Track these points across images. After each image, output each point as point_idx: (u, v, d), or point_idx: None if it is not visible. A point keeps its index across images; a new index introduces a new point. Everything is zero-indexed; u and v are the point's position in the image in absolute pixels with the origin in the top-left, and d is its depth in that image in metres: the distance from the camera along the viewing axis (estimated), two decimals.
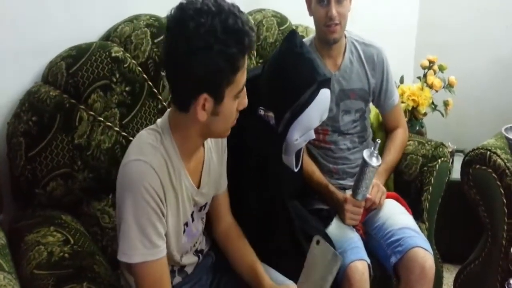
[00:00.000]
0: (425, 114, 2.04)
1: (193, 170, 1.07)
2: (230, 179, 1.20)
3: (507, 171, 1.51)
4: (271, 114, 1.20)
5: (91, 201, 1.31)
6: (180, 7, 0.91)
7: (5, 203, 1.25)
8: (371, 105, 1.61)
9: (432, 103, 2.05)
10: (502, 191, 1.52)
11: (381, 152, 1.54)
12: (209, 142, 1.12)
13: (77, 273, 1.04)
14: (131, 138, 1.33)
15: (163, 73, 1.40)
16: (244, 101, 1.00)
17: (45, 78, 1.27)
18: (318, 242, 1.07)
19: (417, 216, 1.55)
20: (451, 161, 1.85)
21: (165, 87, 1.41)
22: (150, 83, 1.38)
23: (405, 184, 1.62)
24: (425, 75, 2.07)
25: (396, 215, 1.44)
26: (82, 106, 1.26)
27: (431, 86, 2.02)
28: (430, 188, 1.58)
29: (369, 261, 1.31)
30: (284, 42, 1.25)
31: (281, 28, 1.71)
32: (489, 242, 1.60)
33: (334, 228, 1.40)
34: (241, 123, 1.04)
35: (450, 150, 1.98)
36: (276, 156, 1.25)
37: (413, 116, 2.04)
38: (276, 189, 1.27)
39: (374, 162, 1.30)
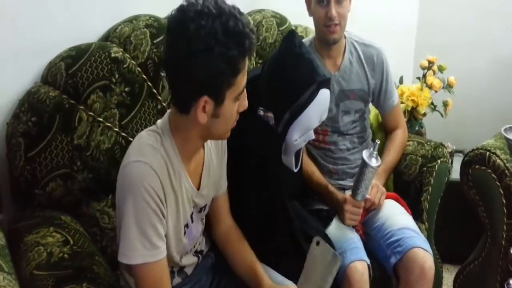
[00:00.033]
0: (424, 114, 2.04)
1: (193, 171, 1.07)
2: (230, 181, 1.20)
3: (506, 171, 1.51)
4: (270, 114, 1.20)
5: (91, 202, 1.31)
6: (180, 9, 0.91)
7: (4, 204, 1.25)
8: (370, 106, 1.62)
9: (432, 103, 2.05)
10: (502, 192, 1.52)
11: (381, 153, 1.54)
12: (209, 144, 1.12)
13: (77, 274, 1.04)
14: (130, 139, 1.33)
15: (162, 74, 1.39)
16: (244, 103, 1.00)
17: (45, 78, 1.27)
18: (318, 243, 1.08)
19: (417, 216, 1.55)
20: (450, 161, 1.85)
21: (165, 88, 1.41)
22: (149, 83, 1.38)
23: (405, 184, 1.62)
24: (424, 76, 2.07)
25: (395, 216, 1.44)
26: (81, 107, 1.26)
27: (430, 87, 2.02)
28: (430, 189, 1.58)
29: (368, 261, 1.31)
30: (283, 43, 1.25)
31: (281, 28, 1.71)
32: (489, 242, 1.60)
33: (334, 228, 1.40)
34: (241, 124, 1.04)
35: (450, 150, 1.99)
36: (276, 157, 1.25)
37: (413, 116, 2.04)
38: (275, 190, 1.27)
39: (374, 162, 1.30)
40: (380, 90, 1.56)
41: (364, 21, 1.89)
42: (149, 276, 0.97)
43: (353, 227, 1.41)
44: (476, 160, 1.54)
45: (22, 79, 1.28)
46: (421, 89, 2.01)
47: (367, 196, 1.38)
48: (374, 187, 1.42)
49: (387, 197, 1.47)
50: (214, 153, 1.14)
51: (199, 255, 1.19)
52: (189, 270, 1.17)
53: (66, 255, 1.07)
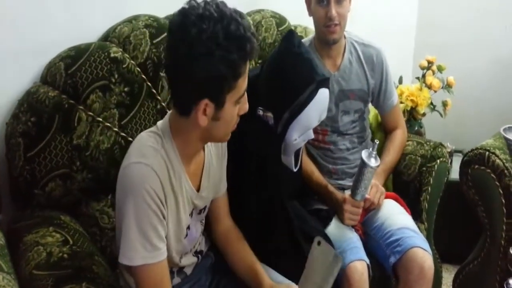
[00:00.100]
0: (424, 114, 2.04)
1: (193, 173, 1.07)
2: (230, 183, 1.20)
3: (505, 171, 1.51)
4: (270, 114, 1.20)
5: (90, 202, 1.31)
6: (182, 12, 0.91)
7: (4, 204, 1.25)
8: (370, 106, 1.62)
9: (431, 103, 2.05)
10: (501, 191, 1.53)
11: (380, 153, 1.54)
12: (210, 146, 1.12)
13: (76, 274, 1.04)
14: (130, 139, 1.33)
15: (162, 74, 1.40)
16: (245, 106, 1.00)
17: (44, 78, 1.27)
18: (319, 243, 1.07)
19: (416, 216, 1.55)
20: (450, 161, 1.85)
21: (164, 88, 1.41)
22: (149, 83, 1.38)
23: (404, 184, 1.62)
24: (424, 76, 2.07)
25: (395, 215, 1.44)
26: (81, 107, 1.26)
27: (430, 87, 2.02)
28: (429, 188, 1.58)
29: (368, 261, 1.31)
30: (283, 42, 1.25)
31: (280, 28, 1.71)
32: (488, 242, 1.60)
33: (333, 228, 1.40)
34: (241, 127, 1.04)
35: (449, 150, 1.99)
36: (275, 157, 1.25)
37: (412, 116, 2.04)
38: (275, 190, 1.27)
39: (373, 162, 1.30)
40: (379, 90, 1.56)
41: (363, 21, 1.89)
42: (150, 278, 0.97)
43: (353, 227, 1.41)
44: (475, 160, 1.54)
45: (21, 79, 1.28)
46: (421, 89, 2.01)
47: (367, 196, 1.38)
48: (374, 187, 1.42)
49: (386, 197, 1.47)
50: (214, 155, 1.14)
51: (199, 255, 1.19)
52: (188, 270, 1.17)
53: (65, 255, 1.07)
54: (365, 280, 1.28)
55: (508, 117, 1.93)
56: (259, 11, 1.73)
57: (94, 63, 1.28)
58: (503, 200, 1.53)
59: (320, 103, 1.21)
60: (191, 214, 1.10)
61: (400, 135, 1.62)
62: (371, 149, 1.30)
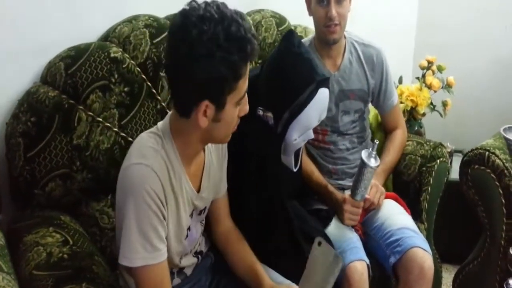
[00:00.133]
0: (423, 114, 2.05)
1: (193, 174, 1.07)
2: (230, 183, 1.20)
3: (505, 171, 1.51)
4: (270, 114, 1.20)
5: (90, 202, 1.31)
6: (183, 14, 0.91)
7: (3, 204, 1.25)
8: (370, 106, 1.62)
9: (431, 103, 2.05)
10: (501, 191, 1.53)
11: (380, 153, 1.54)
12: (210, 147, 1.12)
13: (76, 274, 1.04)
14: (130, 139, 1.33)
15: (162, 74, 1.40)
16: (245, 108, 1.00)
17: (44, 78, 1.27)
18: (319, 244, 1.07)
19: (416, 216, 1.55)
20: (449, 161, 1.85)
21: (164, 88, 1.41)
22: (149, 83, 1.38)
23: (404, 184, 1.62)
24: (423, 76, 2.07)
25: (395, 215, 1.44)
26: (81, 107, 1.26)
27: (429, 87, 2.03)
28: (429, 188, 1.58)
29: (368, 261, 1.31)
30: (282, 42, 1.25)
31: (280, 28, 1.71)
32: (488, 242, 1.60)
33: (333, 228, 1.40)
34: (242, 128, 1.04)
35: (449, 150, 1.99)
36: (275, 157, 1.25)
37: (412, 116, 2.04)
38: (275, 190, 1.27)
39: (372, 162, 1.30)
40: (379, 90, 1.56)
41: (364, 21, 1.89)
42: (150, 279, 0.97)
43: (353, 227, 1.41)
44: (475, 160, 1.54)
45: (21, 79, 1.28)
46: (421, 89, 2.01)
47: (367, 196, 1.38)
48: (373, 187, 1.42)
49: (386, 197, 1.47)
50: (215, 156, 1.14)
51: (199, 256, 1.19)
52: (188, 271, 1.17)
53: (65, 255, 1.07)
54: (365, 280, 1.28)
55: (508, 117, 1.93)
56: (259, 11, 1.73)
57: (94, 63, 1.28)
58: (503, 200, 1.53)
59: (320, 103, 1.21)
60: (191, 215, 1.10)
61: (400, 135, 1.62)
62: (371, 149, 1.30)
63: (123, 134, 1.33)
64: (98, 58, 1.29)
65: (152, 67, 1.39)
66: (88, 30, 1.39)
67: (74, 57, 1.28)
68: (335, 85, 1.50)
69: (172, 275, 1.11)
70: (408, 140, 1.68)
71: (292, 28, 1.73)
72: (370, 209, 1.44)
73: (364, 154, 1.31)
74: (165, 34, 1.41)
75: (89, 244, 1.17)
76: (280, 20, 1.74)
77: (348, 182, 1.51)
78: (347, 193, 1.42)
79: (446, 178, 1.64)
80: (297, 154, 1.27)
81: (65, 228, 1.17)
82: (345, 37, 1.52)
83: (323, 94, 1.21)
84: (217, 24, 0.88)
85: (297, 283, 1.13)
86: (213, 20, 0.89)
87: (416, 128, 2.06)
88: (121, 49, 1.35)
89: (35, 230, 1.14)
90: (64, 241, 1.12)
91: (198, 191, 1.09)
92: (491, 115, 2.27)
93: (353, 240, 1.35)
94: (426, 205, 1.59)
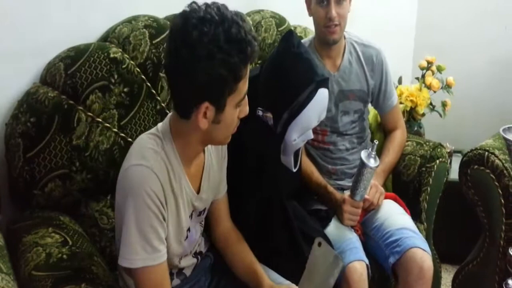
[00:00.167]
0: (423, 114, 2.05)
1: (193, 175, 1.07)
2: (230, 183, 1.20)
3: (505, 171, 1.51)
4: (269, 114, 1.20)
5: (90, 202, 1.31)
6: (183, 15, 0.91)
7: (3, 204, 1.24)
8: (369, 106, 1.62)
9: (430, 103, 2.05)
10: (500, 192, 1.53)
11: (380, 153, 1.54)
12: (210, 148, 1.12)
13: (76, 274, 1.03)
14: (129, 139, 1.33)
15: (161, 74, 1.40)
16: (245, 109, 1.01)
17: (43, 79, 1.27)
18: (319, 244, 1.07)
19: (416, 216, 1.55)
20: (449, 161, 1.85)
21: (164, 88, 1.41)
22: (148, 84, 1.38)
23: (404, 184, 1.62)
24: (423, 76, 2.07)
25: (394, 216, 1.44)
26: (80, 107, 1.26)
27: (429, 87, 2.03)
28: (428, 189, 1.58)
29: (367, 261, 1.31)
30: (282, 43, 1.25)
31: (280, 29, 1.71)
32: (487, 242, 1.60)
33: (333, 228, 1.40)
34: (241, 128, 1.04)
35: (448, 150, 1.99)
36: (274, 157, 1.25)
37: (412, 116, 2.05)
38: (273, 190, 1.27)
39: (372, 163, 1.30)
40: (379, 91, 1.56)
41: (363, 21, 1.89)
42: (150, 280, 0.97)
43: (352, 227, 1.41)
44: (474, 160, 1.54)
45: (20, 80, 1.28)
46: (420, 90, 2.01)
47: (366, 196, 1.38)
48: (373, 187, 1.42)
49: (385, 197, 1.47)
50: (215, 157, 1.14)
51: (198, 256, 1.19)
52: (188, 272, 1.17)
53: (65, 256, 1.07)
54: (364, 280, 1.28)
55: (508, 117, 1.93)
56: (258, 11, 1.73)
57: (93, 63, 1.28)
58: (502, 200, 1.53)
59: (319, 104, 1.21)
60: (190, 216, 1.10)
61: (399, 136, 1.62)
62: (370, 149, 1.31)
63: (122, 134, 1.33)
64: (98, 59, 1.29)
65: (151, 67, 1.39)
66: (88, 31, 1.39)
67: (74, 57, 1.28)
68: (334, 85, 1.50)
69: (171, 275, 1.11)
70: (407, 141, 1.68)
71: (292, 28, 1.73)
72: (370, 209, 1.44)
73: (363, 154, 1.31)
74: (165, 34, 1.41)
75: (88, 245, 1.17)
76: (280, 20, 1.74)
77: (348, 183, 1.51)
78: (347, 193, 1.42)
79: (445, 178, 1.64)
80: (296, 154, 1.28)
81: (64, 228, 1.17)
82: (344, 38, 1.52)
83: (322, 94, 1.21)
84: (217, 26, 0.88)
85: (296, 284, 1.13)
86: (214, 21, 0.89)
87: (415, 128, 2.06)
88: (120, 50, 1.35)
89: (35, 231, 1.14)
90: (64, 242, 1.12)
91: (198, 192, 1.09)
92: (490, 115, 2.27)
93: (352, 240, 1.35)
94: (426, 205, 1.59)
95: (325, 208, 1.47)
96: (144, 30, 1.39)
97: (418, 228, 1.45)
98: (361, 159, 1.30)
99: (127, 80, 1.33)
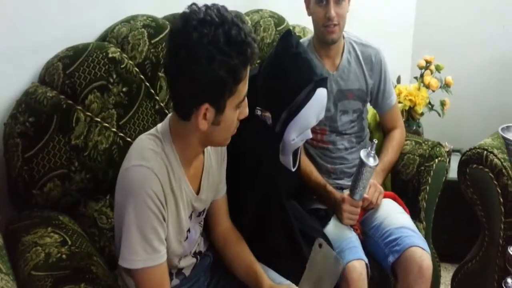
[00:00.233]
0: (422, 114, 2.05)
1: (192, 176, 1.07)
2: (228, 181, 1.20)
3: (503, 170, 1.51)
4: (268, 114, 1.20)
5: (89, 202, 1.31)
6: (183, 17, 0.91)
7: (2, 204, 1.24)
8: (368, 106, 1.62)
9: (429, 103, 2.05)
10: (499, 191, 1.53)
11: (379, 152, 1.54)
12: (209, 149, 1.12)
13: (75, 274, 1.03)
14: (128, 139, 1.33)
15: (160, 74, 1.39)
16: (245, 111, 1.01)
17: (42, 78, 1.27)
18: (320, 246, 1.08)
19: (415, 215, 1.56)
20: (448, 160, 1.85)
21: (162, 88, 1.41)
22: (147, 83, 1.38)
23: (403, 183, 1.62)
24: (422, 75, 2.07)
25: (393, 215, 1.44)
26: (79, 107, 1.26)
27: (428, 86, 2.03)
28: (427, 188, 1.58)
29: (366, 260, 1.31)
30: (280, 42, 1.25)
31: (278, 28, 1.71)
32: (486, 241, 1.60)
33: (332, 227, 1.40)
34: (240, 128, 1.04)
35: (447, 149, 1.99)
36: (273, 156, 1.25)
37: (410, 116, 2.05)
38: (272, 189, 1.27)
39: (371, 162, 1.30)
40: (378, 90, 1.56)
41: (362, 21, 1.89)
42: (150, 280, 0.97)
43: (351, 226, 1.41)
44: (473, 159, 1.55)
45: (19, 79, 1.28)
46: (419, 89, 2.01)
47: (365, 195, 1.38)
48: (372, 186, 1.42)
49: (385, 197, 1.47)
50: (214, 158, 1.14)
51: (198, 256, 1.19)
52: (187, 272, 1.17)
53: (64, 256, 1.07)
54: (363, 279, 1.28)
55: (506, 116, 1.94)
56: (257, 11, 1.73)
57: (92, 63, 1.28)
58: (501, 199, 1.53)
59: (318, 103, 1.22)
60: (190, 217, 1.10)
61: (398, 135, 1.62)
62: (369, 148, 1.31)
63: (121, 134, 1.33)
64: (97, 58, 1.29)
65: (150, 67, 1.38)
66: (86, 30, 1.39)
67: (72, 57, 1.27)
68: (333, 85, 1.50)
69: (171, 276, 1.11)
70: (406, 140, 1.68)
71: (291, 28, 1.73)
72: (369, 208, 1.45)
73: (363, 153, 1.31)
74: (164, 34, 1.41)
75: (87, 245, 1.17)
76: (279, 20, 1.74)
77: (347, 182, 1.51)
78: (346, 192, 1.42)
79: (444, 178, 1.64)
80: (295, 154, 1.28)
81: (63, 228, 1.17)
82: (343, 37, 1.52)
83: (321, 94, 1.21)
84: (217, 28, 0.89)
85: (296, 283, 1.14)
86: (214, 23, 0.89)
87: (414, 127, 2.06)
88: (119, 49, 1.35)
89: (34, 231, 1.14)
90: (63, 242, 1.12)
91: (198, 193, 1.09)
92: (489, 114, 2.27)
93: (351, 240, 1.35)
94: (425, 204, 1.59)
95: (325, 208, 1.47)
96: (143, 29, 1.39)
97: (417, 227, 1.45)
98: (360, 158, 1.30)
99: (125, 79, 1.33)
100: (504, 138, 1.57)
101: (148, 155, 0.98)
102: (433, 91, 2.04)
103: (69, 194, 1.26)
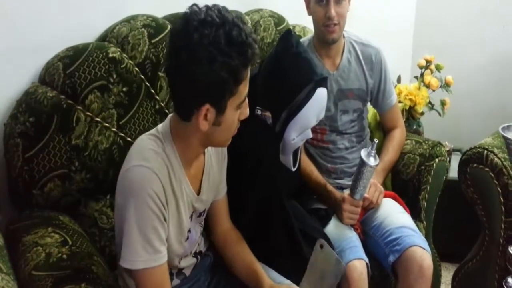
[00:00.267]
0: (422, 113, 2.05)
1: (193, 177, 1.08)
2: (228, 181, 1.20)
3: (504, 170, 1.51)
4: (268, 113, 1.20)
5: (89, 202, 1.31)
6: (184, 18, 0.91)
7: (2, 204, 1.24)
8: (368, 105, 1.62)
9: (429, 102, 2.05)
10: (499, 190, 1.53)
11: (379, 152, 1.54)
12: (210, 149, 1.12)
13: (75, 274, 1.03)
14: (128, 139, 1.33)
15: (160, 74, 1.39)
16: (245, 111, 1.01)
17: (42, 78, 1.27)
18: (322, 247, 1.08)
19: (415, 215, 1.56)
20: (448, 160, 1.85)
21: (163, 88, 1.41)
22: (147, 83, 1.38)
23: (403, 183, 1.62)
24: (422, 75, 2.07)
25: (394, 214, 1.44)
26: (79, 107, 1.26)
27: (428, 86, 2.03)
28: (428, 187, 1.58)
29: (367, 260, 1.31)
30: (280, 42, 1.25)
31: (279, 28, 1.71)
32: (487, 240, 1.60)
33: (332, 227, 1.40)
34: (240, 127, 1.04)
35: (448, 149, 1.99)
36: (273, 156, 1.25)
37: (411, 115, 2.05)
38: (272, 189, 1.27)
39: (372, 161, 1.30)
40: (378, 90, 1.56)
41: (362, 20, 1.90)
42: (151, 281, 0.97)
43: (352, 226, 1.41)
44: (474, 159, 1.55)
45: (19, 79, 1.28)
46: (419, 88, 2.01)
47: (365, 195, 1.38)
48: (372, 186, 1.42)
49: (385, 196, 1.48)
50: (214, 159, 1.14)
51: (198, 256, 1.19)
52: (187, 271, 1.17)
53: (64, 256, 1.07)
54: (364, 279, 1.28)
55: (507, 115, 1.94)
56: (257, 10, 1.73)
57: (92, 63, 1.28)
58: (502, 199, 1.53)
59: (318, 103, 1.22)
60: (191, 217, 1.10)
61: (398, 134, 1.62)
62: (370, 148, 1.31)
63: (121, 134, 1.33)
64: (97, 58, 1.29)
65: (150, 67, 1.38)
66: (87, 30, 1.39)
67: (72, 57, 1.27)
68: (334, 84, 1.50)
69: (171, 276, 1.11)
70: (407, 139, 1.68)
71: (291, 27, 1.73)
72: (369, 208, 1.45)
73: (363, 153, 1.31)
74: (164, 34, 1.41)
75: (88, 244, 1.17)
76: (279, 19, 1.74)
77: (347, 181, 1.51)
78: (346, 192, 1.42)
79: (444, 177, 1.64)
80: (295, 153, 1.28)
81: (64, 228, 1.17)
82: (343, 37, 1.52)
83: (321, 93, 1.21)
84: (218, 28, 0.89)
85: (296, 283, 1.14)
86: (215, 24, 0.89)
87: (414, 127, 2.06)
88: (119, 49, 1.35)
89: (34, 231, 1.13)
90: (63, 241, 1.12)
91: (198, 193, 1.09)
92: (489, 114, 2.27)
93: (352, 239, 1.35)
94: (425, 203, 1.59)
95: (325, 207, 1.47)
96: (143, 29, 1.39)
97: (418, 227, 1.45)
98: (361, 157, 1.30)
99: (126, 79, 1.33)
100: (505, 138, 1.56)
101: (149, 155, 0.98)
102: (433, 90, 2.04)
103: (69, 194, 1.26)
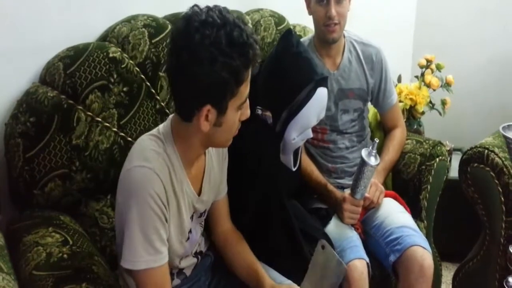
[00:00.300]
0: (423, 113, 2.05)
1: (194, 177, 1.08)
2: (229, 182, 1.20)
3: (504, 169, 1.51)
4: (268, 113, 1.20)
5: (90, 202, 1.31)
6: (185, 18, 0.91)
7: (3, 204, 1.24)
8: (369, 105, 1.62)
9: (430, 102, 2.05)
10: (500, 190, 1.53)
11: (380, 151, 1.54)
12: (210, 150, 1.12)
13: (76, 274, 1.03)
14: (129, 139, 1.33)
15: (161, 73, 1.39)
16: (246, 112, 1.01)
17: (43, 78, 1.27)
18: (323, 247, 1.08)
19: (416, 214, 1.56)
20: (449, 159, 1.86)
21: (163, 87, 1.41)
22: (148, 83, 1.38)
23: (404, 182, 1.62)
24: (422, 74, 2.07)
25: (394, 214, 1.44)
26: (80, 107, 1.26)
27: (428, 85, 2.03)
28: (428, 187, 1.58)
29: (368, 259, 1.31)
30: (281, 42, 1.25)
31: (279, 28, 1.71)
32: (487, 240, 1.60)
33: (333, 227, 1.40)
34: (241, 129, 1.04)
35: (448, 148, 1.99)
36: (273, 156, 1.25)
37: (411, 115, 2.05)
38: (273, 189, 1.27)
39: (373, 161, 1.30)
40: (379, 89, 1.56)
41: (363, 20, 1.90)
42: (151, 281, 0.97)
43: (352, 225, 1.41)
44: (474, 158, 1.55)
45: (20, 79, 1.28)
46: (420, 88, 2.01)
47: (366, 194, 1.38)
48: (373, 185, 1.42)
49: (386, 196, 1.48)
50: (215, 159, 1.14)
51: (198, 256, 1.19)
52: (188, 271, 1.17)
53: (65, 255, 1.07)
54: (365, 278, 1.28)
55: (507, 115, 1.93)
56: (258, 10, 1.73)
57: (93, 63, 1.28)
58: (502, 198, 1.53)
59: (318, 102, 1.22)
60: (191, 218, 1.10)
61: (399, 134, 1.62)
62: (371, 147, 1.31)
63: (122, 134, 1.33)
64: (97, 58, 1.29)
65: (151, 66, 1.38)
66: (87, 30, 1.39)
67: (73, 57, 1.27)
68: (334, 84, 1.50)
69: (171, 276, 1.11)
70: (407, 139, 1.68)
71: (291, 27, 1.73)
72: (370, 207, 1.45)
73: (364, 152, 1.31)
74: (164, 34, 1.41)
75: (89, 244, 1.17)
76: (279, 19, 1.74)
77: (348, 181, 1.51)
78: (347, 191, 1.42)
79: (445, 177, 1.64)
80: (296, 153, 1.28)
81: (64, 228, 1.17)
82: (344, 36, 1.52)
83: (321, 93, 1.21)
84: (219, 29, 0.89)
85: (297, 283, 1.14)
86: (216, 25, 0.89)
87: (415, 126, 2.06)
88: (120, 49, 1.35)
89: (35, 230, 1.14)
90: (64, 241, 1.12)
91: (199, 194, 1.09)
92: (490, 113, 2.27)
93: (353, 239, 1.35)
94: (426, 203, 1.59)
95: (325, 207, 1.47)
96: (143, 29, 1.39)
97: (418, 226, 1.45)
98: (361, 157, 1.30)
99: (126, 79, 1.33)
100: (505, 137, 1.56)
101: (150, 156, 0.98)
102: (434, 90, 2.04)
103: (70, 194, 1.26)
